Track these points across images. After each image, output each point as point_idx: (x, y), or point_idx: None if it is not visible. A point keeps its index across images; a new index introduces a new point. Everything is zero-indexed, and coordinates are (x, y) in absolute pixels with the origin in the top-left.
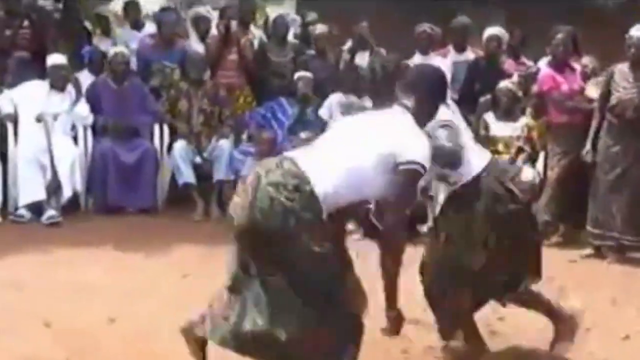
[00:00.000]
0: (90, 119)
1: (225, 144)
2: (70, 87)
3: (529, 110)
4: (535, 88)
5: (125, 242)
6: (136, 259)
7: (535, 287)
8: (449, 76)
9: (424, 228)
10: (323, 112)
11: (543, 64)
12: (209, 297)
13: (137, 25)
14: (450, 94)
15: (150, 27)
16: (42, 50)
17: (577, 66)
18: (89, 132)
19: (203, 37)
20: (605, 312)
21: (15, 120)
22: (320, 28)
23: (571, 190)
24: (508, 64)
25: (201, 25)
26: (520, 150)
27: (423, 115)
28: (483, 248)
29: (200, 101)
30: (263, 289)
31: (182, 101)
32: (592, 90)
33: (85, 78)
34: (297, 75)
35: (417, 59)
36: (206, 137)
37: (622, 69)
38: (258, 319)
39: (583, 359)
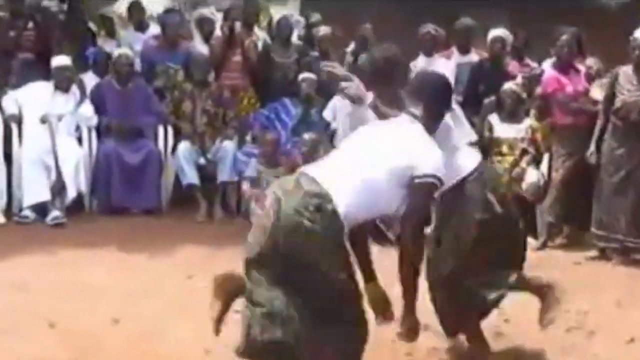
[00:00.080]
0: (94, 120)
1: (229, 145)
2: (74, 88)
3: (533, 111)
4: (539, 90)
5: (129, 242)
6: (140, 259)
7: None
8: (452, 78)
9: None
10: (327, 114)
11: (547, 65)
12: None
13: (141, 27)
14: (454, 96)
15: (154, 29)
16: (47, 51)
17: (581, 67)
18: (93, 133)
19: (207, 38)
20: (610, 314)
21: (19, 121)
22: (323, 30)
23: (575, 192)
24: (512, 65)
25: (205, 26)
26: (524, 152)
27: (431, 122)
28: (459, 253)
29: (204, 102)
30: (277, 304)
31: (186, 102)
32: (597, 92)
33: (90, 79)
34: (300, 76)
35: (421, 61)
36: (210, 138)
37: (626, 71)
38: (269, 330)
39: None
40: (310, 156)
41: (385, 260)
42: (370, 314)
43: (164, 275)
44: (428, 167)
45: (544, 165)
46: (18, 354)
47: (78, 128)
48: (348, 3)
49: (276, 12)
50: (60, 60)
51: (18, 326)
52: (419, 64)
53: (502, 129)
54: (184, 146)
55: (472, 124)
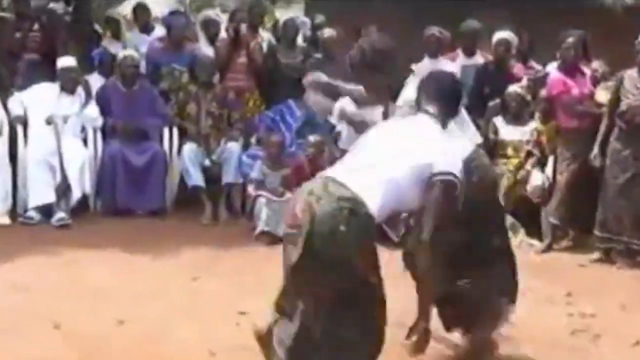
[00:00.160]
0: (99, 121)
1: (234, 146)
2: (80, 90)
3: (538, 114)
4: (544, 92)
5: (134, 244)
6: (145, 261)
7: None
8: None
9: None
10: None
11: (552, 68)
12: (217, 299)
13: (147, 29)
14: None
15: (159, 31)
16: (52, 52)
17: (587, 70)
18: (99, 135)
19: (212, 40)
20: (615, 317)
21: (25, 122)
22: (328, 32)
23: (580, 195)
24: (517, 68)
25: (210, 28)
26: (529, 154)
27: (445, 122)
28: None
29: (209, 104)
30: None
31: (191, 104)
32: (602, 95)
33: (95, 80)
34: (305, 78)
35: (425, 63)
36: (215, 140)
37: (631, 74)
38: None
39: None
40: (315, 158)
41: (389, 262)
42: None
43: (168, 277)
44: (447, 165)
45: (549, 168)
46: (22, 355)
47: (83, 129)
48: (353, 5)
49: (281, 14)
50: (65, 62)
51: (23, 327)
52: (424, 66)
53: (507, 132)
54: (189, 148)
55: (477, 127)
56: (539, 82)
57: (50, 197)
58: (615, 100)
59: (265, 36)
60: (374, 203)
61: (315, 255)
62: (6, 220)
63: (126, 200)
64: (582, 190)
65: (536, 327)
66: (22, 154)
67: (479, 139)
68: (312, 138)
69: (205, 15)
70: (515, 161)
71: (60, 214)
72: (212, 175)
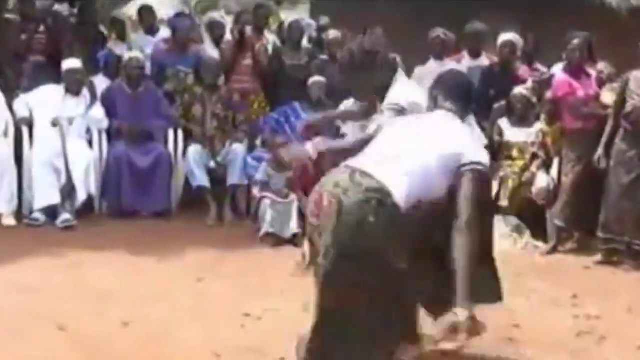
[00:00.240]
0: (105, 123)
1: (239, 148)
2: (85, 91)
3: (543, 116)
4: (549, 94)
5: (139, 245)
6: (150, 262)
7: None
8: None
9: None
10: None
11: (558, 69)
12: (222, 301)
13: (152, 30)
14: None
15: (164, 32)
16: (58, 54)
17: (592, 72)
18: (104, 136)
19: (217, 42)
20: (621, 319)
21: (30, 124)
22: (333, 33)
23: (585, 197)
24: (522, 69)
25: (216, 30)
26: (534, 156)
27: (462, 119)
28: None
29: (214, 106)
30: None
31: (196, 106)
32: (607, 97)
33: (101, 82)
34: (310, 80)
35: (431, 65)
36: (220, 141)
37: (637, 75)
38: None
39: None
40: (320, 160)
41: None
42: None
43: (173, 278)
44: (476, 155)
45: (554, 170)
46: (27, 356)
47: (89, 131)
48: (358, 6)
49: (286, 16)
50: (71, 63)
51: (27, 328)
52: (430, 68)
53: (512, 133)
54: (194, 149)
55: (483, 128)
56: (544, 83)
57: (55, 199)
58: (621, 101)
59: (270, 38)
60: (401, 193)
61: (343, 247)
62: (11, 221)
63: (131, 201)
64: (588, 192)
65: (541, 329)
66: (27, 156)
67: (484, 141)
68: (316, 140)
69: (211, 17)
70: (520, 163)
71: (65, 216)
72: (217, 176)
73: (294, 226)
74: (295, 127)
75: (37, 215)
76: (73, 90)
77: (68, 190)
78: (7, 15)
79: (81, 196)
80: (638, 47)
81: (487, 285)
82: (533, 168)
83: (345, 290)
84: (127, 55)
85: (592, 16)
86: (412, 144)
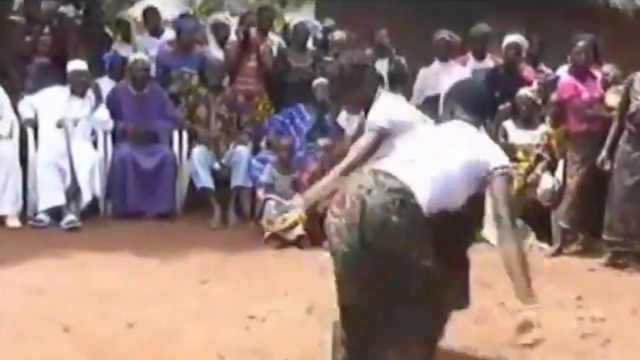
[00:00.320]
0: (110, 124)
1: (243, 150)
2: (90, 93)
3: (548, 118)
4: (554, 96)
5: (143, 247)
6: (154, 264)
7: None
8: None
9: None
10: (341, 119)
11: (563, 71)
12: (226, 302)
13: (156, 32)
14: None
15: (169, 34)
16: (63, 56)
17: (597, 74)
18: (109, 138)
19: (222, 43)
20: (625, 322)
21: (35, 125)
22: (338, 35)
23: (590, 199)
24: (527, 71)
25: (220, 31)
26: (539, 158)
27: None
28: None
29: (219, 107)
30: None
31: (200, 107)
32: (612, 99)
33: (106, 84)
34: (315, 82)
35: (436, 67)
36: (224, 143)
37: None
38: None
39: None
40: (325, 162)
41: None
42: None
43: (177, 280)
44: (501, 159)
45: (559, 172)
46: (31, 357)
47: (94, 132)
48: (362, 8)
49: (290, 17)
50: (76, 65)
51: (32, 329)
52: (434, 69)
53: (517, 135)
54: (198, 150)
55: (487, 130)
56: (549, 85)
57: (60, 200)
58: (626, 102)
59: (275, 40)
60: (423, 195)
61: (367, 246)
62: (16, 222)
63: (136, 203)
64: (592, 194)
65: (546, 331)
66: (32, 157)
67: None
68: (322, 142)
69: (215, 19)
70: (525, 165)
71: (70, 217)
72: (221, 178)
73: (298, 228)
74: (300, 129)
75: (42, 216)
76: (78, 91)
77: (73, 192)
78: (12, 17)
79: (86, 197)
80: None
81: (460, 289)
82: (538, 170)
83: (369, 289)
84: (132, 56)
85: (597, 17)
86: (436, 151)
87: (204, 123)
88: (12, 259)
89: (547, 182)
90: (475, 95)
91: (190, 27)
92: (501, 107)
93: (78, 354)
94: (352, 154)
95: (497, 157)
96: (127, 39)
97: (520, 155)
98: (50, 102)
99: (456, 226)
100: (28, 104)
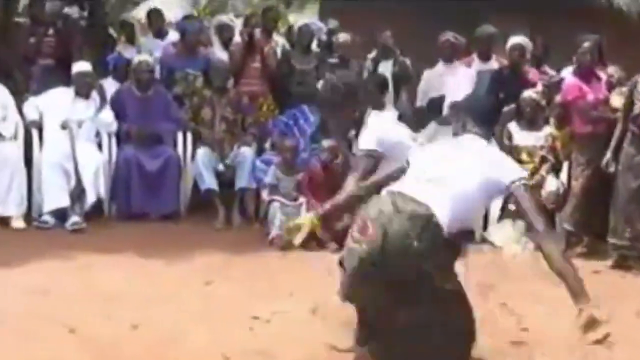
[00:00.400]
0: (114, 125)
1: (247, 151)
2: (94, 95)
3: (552, 119)
4: (559, 97)
5: (147, 248)
6: (158, 265)
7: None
8: (472, 85)
9: None
10: None
11: (567, 72)
12: (230, 304)
13: (161, 34)
14: None
15: (173, 35)
16: (67, 57)
17: (602, 75)
18: (113, 139)
19: (226, 45)
20: (630, 324)
21: (40, 127)
22: (343, 36)
23: (595, 201)
24: (532, 73)
25: (224, 33)
26: (544, 159)
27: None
28: None
29: (223, 109)
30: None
31: (205, 109)
32: (617, 100)
33: (110, 85)
34: (319, 83)
35: (440, 68)
36: (229, 144)
37: None
38: None
39: None
40: (330, 163)
41: None
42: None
43: (182, 281)
44: (517, 172)
45: (564, 174)
46: (36, 358)
47: (98, 134)
48: (366, 9)
49: (295, 19)
50: (80, 66)
51: (37, 331)
52: (439, 71)
53: (522, 137)
54: (202, 152)
55: (492, 133)
56: (554, 87)
57: (64, 201)
58: (629, 104)
59: (279, 41)
60: (443, 215)
61: (390, 273)
62: (21, 224)
63: (140, 204)
64: (597, 196)
65: (551, 333)
66: (37, 158)
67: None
68: (326, 143)
69: (219, 20)
70: (529, 167)
71: (74, 218)
72: (225, 179)
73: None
74: (304, 130)
75: (47, 217)
76: (83, 93)
77: (77, 193)
78: (17, 19)
79: (90, 199)
80: None
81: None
82: (542, 172)
83: (394, 313)
84: (136, 58)
85: (601, 18)
86: (453, 170)
87: (208, 125)
88: (16, 260)
89: (551, 184)
90: (484, 110)
91: (195, 29)
92: (505, 108)
93: (82, 355)
94: (349, 184)
95: (511, 171)
96: (131, 40)
97: (524, 157)
98: (55, 104)
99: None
100: (33, 106)
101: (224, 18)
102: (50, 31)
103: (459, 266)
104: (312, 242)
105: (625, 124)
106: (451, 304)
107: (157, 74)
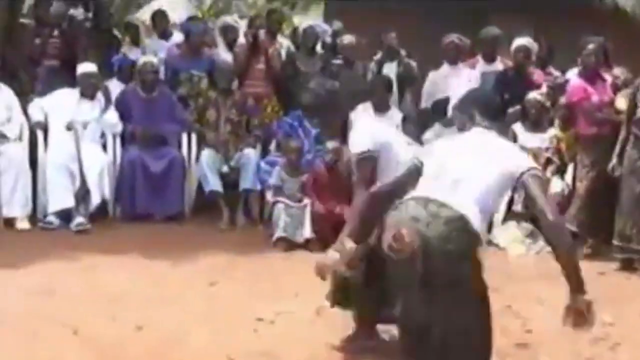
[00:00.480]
0: (119, 127)
1: (251, 152)
2: (99, 96)
3: (557, 121)
4: (563, 99)
5: (152, 249)
6: (163, 266)
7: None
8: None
9: None
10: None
11: (572, 74)
12: (234, 305)
13: (165, 35)
14: None
15: (177, 36)
16: (72, 58)
17: (607, 77)
18: (118, 140)
19: (231, 46)
20: (635, 326)
21: (45, 128)
22: (347, 38)
23: (600, 203)
24: (537, 74)
25: (229, 34)
26: (548, 161)
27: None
28: None
29: (228, 111)
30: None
31: (210, 110)
32: (622, 102)
33: (115, 86)
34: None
35: (445, 70)
36: (233, 146)
37: None
38: None
39: None
40: (334, 164)
41: None
42: None
43: (186, 282)
44: (527, 162)
45: (569, 175)
46: (41, 359)
47: (103, 135)
48: (371, 10)
49: (299, 21)
50: (86, 68)
51: (41, 332)
52: (443, 72)
53: (526, 139)
54: (207, 153)
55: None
56: (558, 88)
57: (69, 202)
58: (633, 107)
59: (284, 42)
60: (474, 218)
61: (432, 279)
62: (26, 225)
63: (145, 205)
64: (602, 197)
65: (555, 335)
66: (42, 159)
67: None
68: (330, 145)
69: (224, 21)
70: None
71: (79, 219)
72: (230, 181)
73: (306, 231)
74: (309, 132)
75: (51, 218)
76: (88, 94)
77: (82, 194)
78: (22, 20)
79: (95, 200)
80: None
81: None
82: (547, 173)
83: (434, 321)
84: (141, 59)
85: (606, 20)
86: (473, 167)
87: (213, 126)
88: (21, 260)
89: (556, 186)
90: (489, 100)
91: (199, 30)
92: (510, 110)
93: (86, 356)
94: (358, 194)
95: (523, 161)
96: (136, 41)
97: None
98: (60, 105)
99: None
100: (38, 107)
101: (229, 19)
102: (55, 32)
103: None
104: (316, 243)
105: (629, 127)
106: (482, 306)
107: (162, 75)
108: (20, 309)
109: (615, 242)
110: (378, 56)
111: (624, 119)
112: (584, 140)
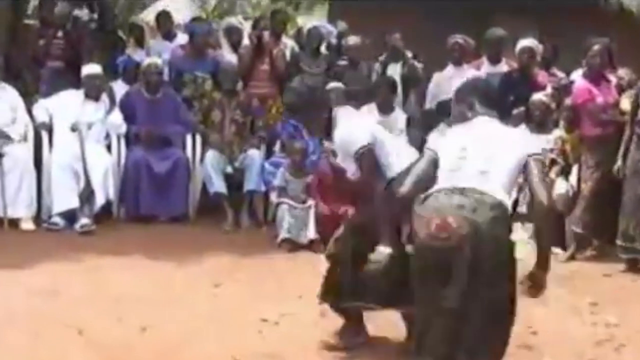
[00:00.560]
0: (123, 128)
1: (255, 153)
2: (104, 97)
3: (562, 122)
4: (568, 100)
5: (156, 250)
6: (167, 267)
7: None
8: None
9: None
10: None
11: (577, 75)
12: (239, 306)
13: (169, 36)
14: None
15: (181, 38)
16: (77, 60)
17: (612, 78)
18: (122, 141)
19: (235, 47)
20: None
21: (49, 128)
22: (352, 39)
23: (604, 204)
24: (541, 75)
25: (233, 35)
26: (553, 162)
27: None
28: None
29: (233, 112)
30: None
31: (215, 111)
32: (626, 103)
33: (119, 87)
34: (329, 86)
35: (449, 71)
36: (238, 147)
37: None
38: None
39: None
40: (338, 165)
41: None
42: None
43: (191, 283)
44: (535, 147)
45: (573, 176)
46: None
47: (107, 136)
48: (375, 11)
49: (303, 21)
50: (90, 69)
51: (46, 332)
52: (448, 74)
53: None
54: (211, 155)
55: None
56: (563, 90)
57: (74, 203)
58: (636, 108)
59: (288, 43)
60: (508, 204)
61: (483, 263)
62: (30, 225)
63: (149, 206)
64: (607, 198)
65: (559, 336)
66: (46, 160)
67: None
68: (327, 144)
69: (228, 23)
70: None
71: (83, 220)
72: (234, 182)
73: (311, 232)
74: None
75: (56, 219)
76: (92, 95)
77: (87, 195)
78: (26, 21)
79: (99, 201)
80: None
81: None
82: (552, 174)
83: (480, 306)
84: (146, 60)
85: (610, 21)
86: (493, 157)
87: (218, 127)
88: (26, 261)
89: (561, 187)
90: (490, 89)
91: (203, 31)
92: (515, 111)
93: (91, 357)
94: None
95: (531, 145)
96: (140, 43)
97: None
98: (65, 106)
99: None
100: (42, 108)
101: (233, 20)
102: (60, 33)
103: None
104: (320, 244)
105: (632, 128)
106: (514, 289)
107: (166, 77)
108: (25, 309)
109: (618, 242)
110: (382, 57)
111: (627, 121)
112: (589, 142)
